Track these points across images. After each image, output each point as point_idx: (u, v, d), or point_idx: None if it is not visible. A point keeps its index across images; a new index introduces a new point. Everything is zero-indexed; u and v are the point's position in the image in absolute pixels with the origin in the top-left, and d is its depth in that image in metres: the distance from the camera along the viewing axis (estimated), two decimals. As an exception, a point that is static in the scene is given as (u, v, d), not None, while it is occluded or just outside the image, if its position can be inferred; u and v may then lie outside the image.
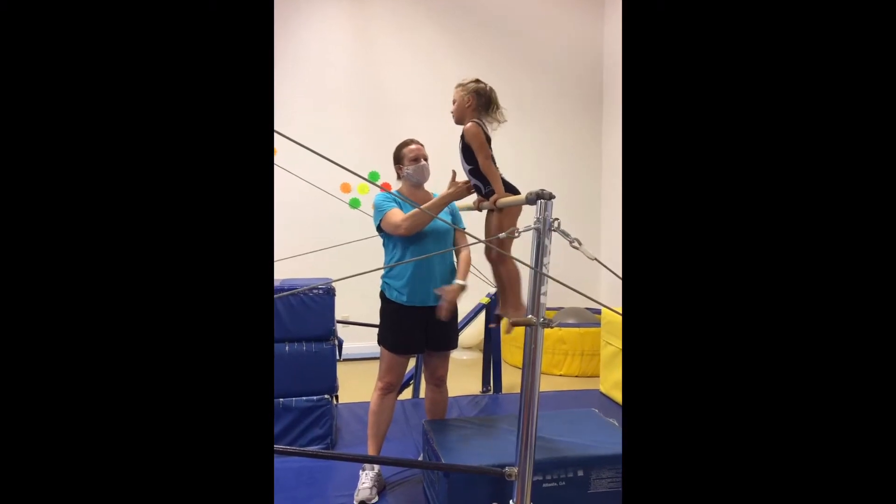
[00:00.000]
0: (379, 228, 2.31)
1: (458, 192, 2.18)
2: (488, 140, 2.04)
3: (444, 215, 2.35)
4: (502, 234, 1.54)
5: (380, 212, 2.28)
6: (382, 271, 2.33)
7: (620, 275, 1.68)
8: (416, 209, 2.14)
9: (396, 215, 2.22)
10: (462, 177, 2.19)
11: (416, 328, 2.30)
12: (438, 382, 2.46)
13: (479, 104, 2.06)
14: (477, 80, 2.10)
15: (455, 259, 2.42)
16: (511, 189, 2.06)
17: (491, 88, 2.10)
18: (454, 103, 2.11)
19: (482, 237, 2.17)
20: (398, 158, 2.37)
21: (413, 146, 2.34)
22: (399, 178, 2.41)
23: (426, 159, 2.34)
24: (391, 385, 2.34)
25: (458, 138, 2.11)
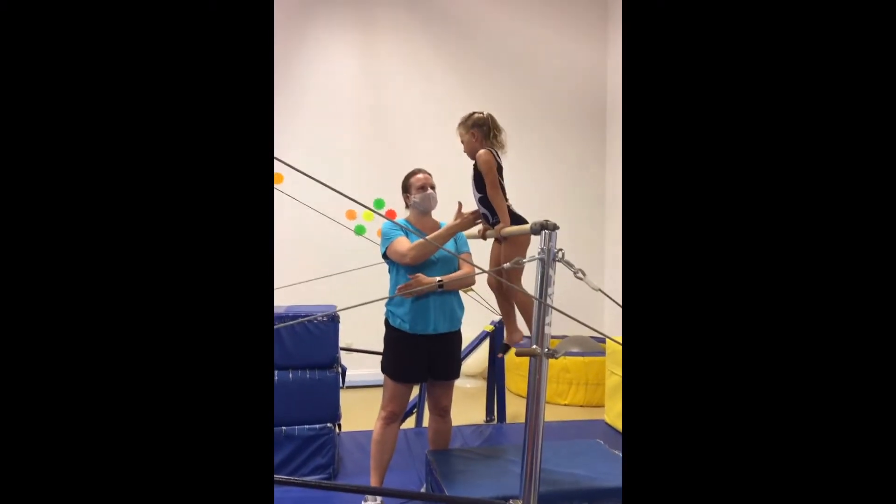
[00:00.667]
0: (385, 256, 2.32)
1: (465, 222, 2.20)
2: (500, 168, 2.07)
3: (449, 242, 2.36)
4: (507, 265, 1.55)
5: (386, 239, 2.29)
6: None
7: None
8: (422, 240, 2.16)
9: (402, 244, 2.23)
10: (469, 207, 2.21)
11: (419, 357, 2.29)
12: (442, 412, 2.44)
13: (482, 135, 2.10)
14: (472, 113, 2.15)
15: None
16: (518, 220, 2.07)
17: (489, 115, 2.14)
18: (463, 143, 2.17)
19: (487, 265, 2.18)
20: (406, 187, 2.40)
21: (420, 175, 2.37)
22: (407, 206, 2.43)
23: (433, 188, 2.36)
24: (394, 414, 2.32)
25: (472, 167, 2.14)
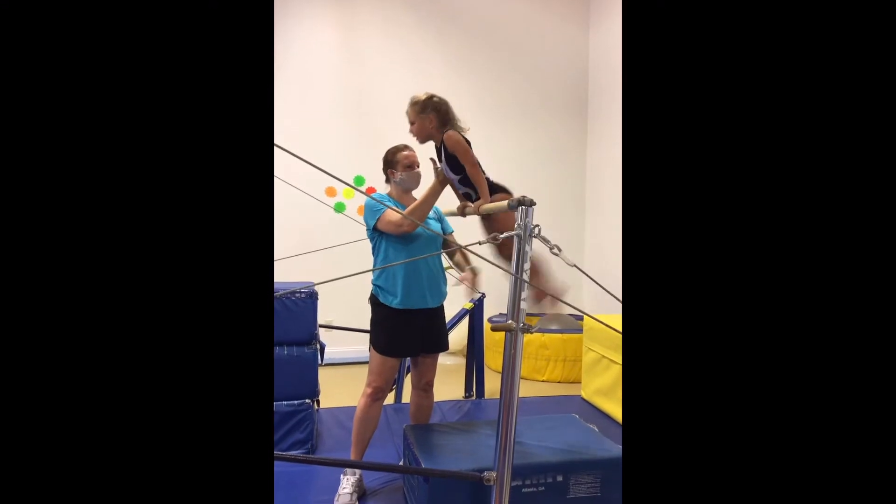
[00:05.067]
0: (374, 229, 2.28)
1: (440, 182, 2.16)
2: (468, 143, 2.05)
3: (433, 221, 2.36)
4: (482, 241, 1.56)
5: (375, 212, 2.23)
6: (371, 277, 2.33)
7: (600, 283, 1.70)
8: (418, 201, 2.16)
9: (395, 215, 2.18)
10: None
11: (411, 331, 2.29)
12: (426, 387, 2.46)
13: (439, 121, 2.07)
14: (430, 96, 2.08)
15: (447, 261, 2.45)
16: (501, 189, 2.07)
17: (446, 101, 2.10)
18: (412, 124, 2.11)
19: (469, 240, 2.17)
20: (391, 163, 2.35)
21: (407, 152, 2.33)
22: (388, 181, 2.40)
23: (418, 166, 2.35)
24: (380, 390, 2.32)
25: (437, 150, 2.11)
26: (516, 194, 1.81)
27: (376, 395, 2.32)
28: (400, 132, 4.28)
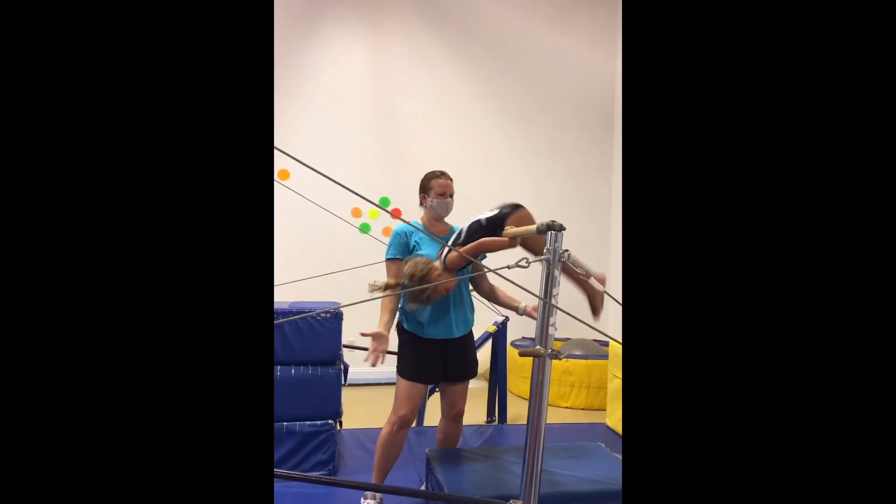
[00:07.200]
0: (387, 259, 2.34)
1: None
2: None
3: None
4: (511, 265, 1.54)
5: (387, 252, 2.33)
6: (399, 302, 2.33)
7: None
8: (393, 294, 2.21)
9: (389, 275, 2.29)
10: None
11: (435, 358, 2.28)
12: (456, 417, 2.42)
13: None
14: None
15: (476, 290, 2.47)
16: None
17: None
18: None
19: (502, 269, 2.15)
20: (425, 188, 2.35)
21: (442, 180, 2.33)
22: (421, 205, 2.40)
23: (452, 196, 2.34)
24: (406, 419, 2.28)
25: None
26: (541, 216, 1.80)
27: (402, 425, 2.28)
28: (425, 155, 4.32)
